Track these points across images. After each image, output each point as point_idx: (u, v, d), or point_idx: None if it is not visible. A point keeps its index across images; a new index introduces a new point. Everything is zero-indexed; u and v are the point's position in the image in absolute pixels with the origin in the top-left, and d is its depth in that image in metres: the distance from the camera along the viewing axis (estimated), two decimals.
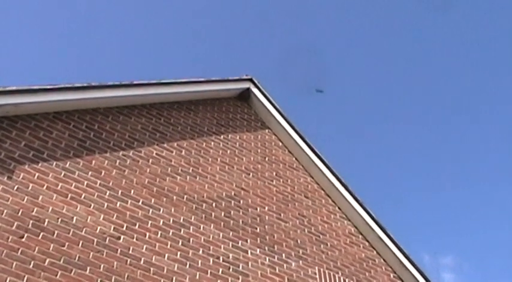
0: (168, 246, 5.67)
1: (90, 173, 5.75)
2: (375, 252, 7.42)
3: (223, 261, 5.93)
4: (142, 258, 5.40)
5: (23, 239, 4.88)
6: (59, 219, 5.21)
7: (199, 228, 6.05)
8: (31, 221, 5.04)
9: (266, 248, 6.39)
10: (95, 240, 5.26)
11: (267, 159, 7.51)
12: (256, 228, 6.52)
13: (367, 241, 7.48)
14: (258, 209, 6.76)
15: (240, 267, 6.01)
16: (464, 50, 23.86)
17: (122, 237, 5.44)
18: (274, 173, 7.40)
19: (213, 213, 6.29)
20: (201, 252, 5.85)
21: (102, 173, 5.83)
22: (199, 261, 5.76)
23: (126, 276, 5.18)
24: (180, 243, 5.77)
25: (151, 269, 5.38)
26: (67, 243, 5.08)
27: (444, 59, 23.76)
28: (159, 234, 5.69)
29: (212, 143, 7.12)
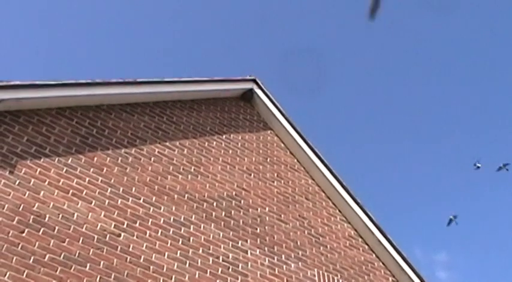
0: (168, 244, 5.67)
1: (92, 169, 5.75)
2: (374, 255, 7.42)
3: (222, 261, 5.93)
4: (142, 256, 5.40)
5: (24, 234, 4.88)
6: (60, 215, 5.20)
7: (200, 227, 6.05)
8: (32, 216, 5.04)
9: (266, 249, 6.39)
10: (96, 237, 5.25)
11: (268, 160, 7.51)
12: (257, 229, 6.51)
13: (367, 244, 7.48)
14: (259, 209, 6.75)
15: (240, 267, 6.01)
16: (464, 51, 23.87)
17: (123, 234, 5.44)
18: (276, 174, 7.39)
19: (213, 213, 6.29)
20: (201, 251, 5.84)
21: (104, 170, 5.83)
22: (199, 261, 5.75)
23: (125, 273, 5.18)
24: (180, 242, 5.77)
25: (151, 267, 5.38)
26: (67, 239, 5.08)
27: (445, 60, 23.79)
28: (159, 233, 5.69)
29: (214, 142, 7.11)
